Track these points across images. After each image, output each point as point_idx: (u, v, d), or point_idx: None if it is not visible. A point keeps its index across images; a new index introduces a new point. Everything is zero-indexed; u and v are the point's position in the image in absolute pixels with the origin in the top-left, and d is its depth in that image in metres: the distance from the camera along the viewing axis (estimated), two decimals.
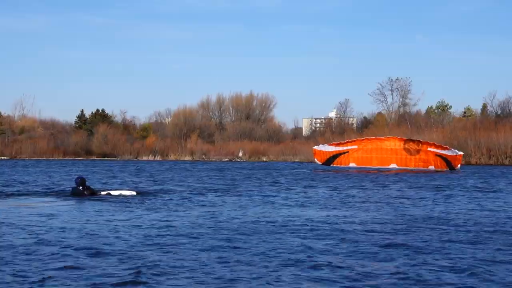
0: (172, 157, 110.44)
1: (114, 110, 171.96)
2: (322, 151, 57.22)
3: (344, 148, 56.81)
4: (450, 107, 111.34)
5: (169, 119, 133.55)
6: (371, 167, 55.76)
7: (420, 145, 56.02)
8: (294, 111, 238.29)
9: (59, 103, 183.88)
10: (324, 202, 22.36)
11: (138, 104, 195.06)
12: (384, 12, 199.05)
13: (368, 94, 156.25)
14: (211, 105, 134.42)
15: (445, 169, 54.58)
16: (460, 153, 56.42)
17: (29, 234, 13.85)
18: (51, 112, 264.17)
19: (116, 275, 9.64)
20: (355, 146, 56.78)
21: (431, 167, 55.23)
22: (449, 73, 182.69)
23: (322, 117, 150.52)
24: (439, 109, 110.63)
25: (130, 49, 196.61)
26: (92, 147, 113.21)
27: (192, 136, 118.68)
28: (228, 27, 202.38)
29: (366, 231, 14.61)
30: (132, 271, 9.85)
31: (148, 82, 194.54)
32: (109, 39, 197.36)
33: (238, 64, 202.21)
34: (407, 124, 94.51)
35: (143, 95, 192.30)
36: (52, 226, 15.53)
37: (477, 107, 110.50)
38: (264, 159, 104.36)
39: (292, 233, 14.22)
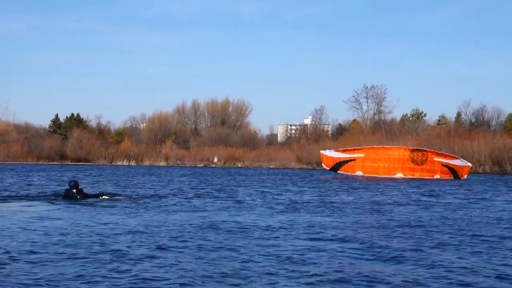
0: (147, 162, 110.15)
1: (89, 114, 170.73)
2: (330, 156, 57.12)
3: (351, 155, 56.78)
4: (425, 115, 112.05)
5: (144, 124, 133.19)
6: (378, 175, 55.78)
7: (427, 154, 56.02)
8: (270, 117, 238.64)
9: (34, 107, 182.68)
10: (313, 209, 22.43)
11: (113, 109, 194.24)
12: (360, 20, 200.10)
13: (344, 101, 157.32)
14: (186, 110, 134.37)
15: (452, 178, 54.69)
16: (469, 164, 56.38)
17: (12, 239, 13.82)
18: (25, 116, 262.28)
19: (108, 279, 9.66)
20: (362, 155, 56.65)
21: (437, 176, 55.37)
22: (424, 81, 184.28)
23: (298, 124, 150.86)
24: (413, 117, 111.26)
25: (106, 53, 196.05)
26: (66, 151, 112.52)
27: (167, 141, 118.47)
28: (205, 33, 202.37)
29: (339, 237, 14.70)
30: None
31: (124, 87, 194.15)
32: (84, 44, 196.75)
33: (214, 70, 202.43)
34: (382, 131, 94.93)
35: (118, 100, 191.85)
36: (39, 229, 15.50)
37: (451, 115, 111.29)
38: (239, 165, 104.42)
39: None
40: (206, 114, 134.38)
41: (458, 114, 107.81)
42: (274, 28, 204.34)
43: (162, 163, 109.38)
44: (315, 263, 11.33)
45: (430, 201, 27.38)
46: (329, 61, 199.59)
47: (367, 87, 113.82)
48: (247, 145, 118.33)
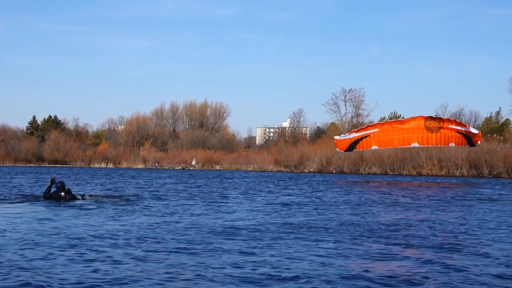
0: (124, 165, 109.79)
1: (67, 116, 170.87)
2: (343, 139, 56.89)
3: (365, 132, 56.37)
4: (403, 118, 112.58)
5: (122, 126, 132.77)
6: (393, 147, 55.36)
7: (442, 122, 55.12)
8: (248, 120, 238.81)
9: (11, 109, 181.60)
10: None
11: (91, 111, 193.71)
12: (339, 23, 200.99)
13: (322, 104, 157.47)
14: (165, 113, 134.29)
15: (466, 145, 54.71)
16: (478, 131, 55.85)
17: None
18: (2, 118, 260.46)
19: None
20: (376, 130, 56.22)
21: (452, 144, 55.02)
22: (402, 84, 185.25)
23: (276, 127, 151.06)
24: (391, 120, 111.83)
25: (84, 56, 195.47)
26: (43, 153, 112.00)
27: (145, 144, 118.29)
28: (183, 35, 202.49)
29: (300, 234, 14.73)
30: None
31: (102, 90, 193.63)
32: (63, 45, 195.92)
33: (193, 73, 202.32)
34: None
35: (96, 102, 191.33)
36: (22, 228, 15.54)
37: None
38: (217, 168, 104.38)
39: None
40: (185, 116, 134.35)
41: None
42: (253, 31, 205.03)
43: (140, 166, 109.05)
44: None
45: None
46: (308, 64, 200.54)
47: (345, 90, 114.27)
48: (225, 148, 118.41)
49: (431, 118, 56.19)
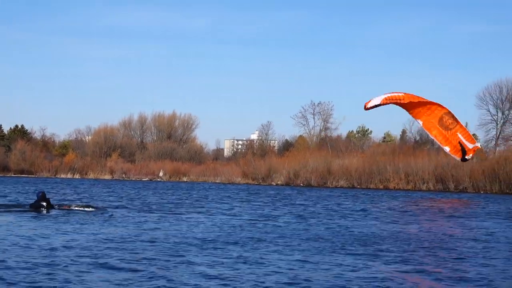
0: (91, 175, 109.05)
1: (33, 126, 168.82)
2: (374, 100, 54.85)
3: (397, 94, 53.31)
4: (370, 132, 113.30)
5: (90, 137, 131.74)
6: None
7: (455, 125, 53.09)
8: (217, 132, 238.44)
9: None
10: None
11: (59, 121, 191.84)
12: (308, 36, 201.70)
13: (291, 117, 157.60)
14: (133, 123, 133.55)
15: (459, 157, 53.92)
16: (478, 145, 55.14)
17: None
18: None
19: None
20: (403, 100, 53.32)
21: (447, 148, 53.64)
22: (369, 98, 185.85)
23: (244, 139, 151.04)
24: (359, 134, 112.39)
25: (52, 65, 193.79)
26: (9, 163, 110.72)
27: (113, 154, 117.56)
28: (153, 47, 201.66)
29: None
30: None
31: (69, 99, 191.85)
32: (31, 54, 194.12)
33: (161, 84, 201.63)
34: (328, 147, 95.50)
35: (63, 112, 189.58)
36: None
37: (396, 133, 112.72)
38: (185, 180, 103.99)
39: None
40: (153, 128, 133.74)
41: (403, 132, 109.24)
42: (222, 43, 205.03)
43: (107, 177, 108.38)
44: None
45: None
46: (277, 77, 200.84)
47: (314, 103, 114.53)
48: (193, 160, 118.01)
49: (449, 113, 53.84)
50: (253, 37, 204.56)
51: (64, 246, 14.90)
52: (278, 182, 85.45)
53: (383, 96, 53.43)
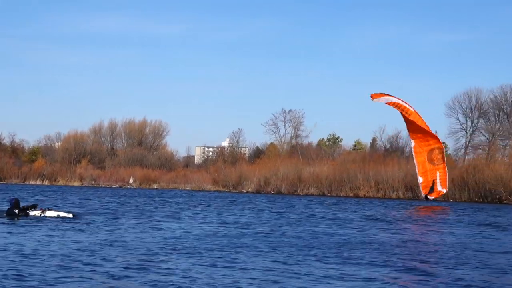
0: (60, 182, 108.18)
1: (2, 132, 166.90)
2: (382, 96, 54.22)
3: (408, 106, 53.49)
4: (341, 140, 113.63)
5: (59, 143, 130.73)
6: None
7: (440, 163, 54.00)
8: (187, 139, 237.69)
9: None
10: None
11: (28, 127, 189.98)
12: (279, 44, 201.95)
13: (261, 124, 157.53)
14: (103, 130, 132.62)
15: (424, 193, 54.44)
16: (444, 191, 55.34)
17: None
18: None
19: None
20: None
21: (420, 179, 54.44)
22: (340, 107, 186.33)
23: (215, 146, 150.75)
24: (330, 142, 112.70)
25: (21, 71, 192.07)
26: None
27: (83, 161, 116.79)
28: (124, 53, 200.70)
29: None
30: None
31: (39, 105, 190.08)
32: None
33: (132, 90, 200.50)
34: (299, 155, 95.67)
35: (33, 118, 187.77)
36: None
37: (367, 141, 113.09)
38: (155, 187, 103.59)
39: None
40: (123, 134, 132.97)
41: (374, 140, 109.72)
42: (193, 50, 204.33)
43: (77, 183, 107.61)
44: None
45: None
46: (248, 84, 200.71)
47: (285, 110, 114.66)
48: (163, 167, 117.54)
49: (441, 150, 54.99)
50: (224, 44, 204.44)
51: (34, 254, 14.77)
52: (249, 190, 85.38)
53: (394, 99, 53.63)
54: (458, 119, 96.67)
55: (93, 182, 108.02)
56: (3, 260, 13.74)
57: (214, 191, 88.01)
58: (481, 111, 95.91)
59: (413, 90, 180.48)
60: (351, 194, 75.70)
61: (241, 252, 16.41)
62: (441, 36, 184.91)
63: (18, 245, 16.32)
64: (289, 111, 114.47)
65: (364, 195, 74.46)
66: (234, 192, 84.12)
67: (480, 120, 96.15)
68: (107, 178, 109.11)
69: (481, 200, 66.17)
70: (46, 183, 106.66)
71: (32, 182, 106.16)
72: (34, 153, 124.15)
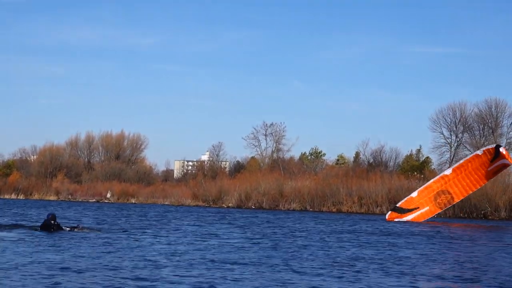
0: (36, 196, 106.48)
1: None
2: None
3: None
4: (324, 154, 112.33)
5: (35, 156, 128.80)
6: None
7: (437, 208, 51.96)
8: (166, 152, 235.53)
9: None
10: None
11: (3, 140, 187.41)
12: (261, 57, 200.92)
13: (242, 138, 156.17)
14: (79, 143, 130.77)
15: (399, 206, 52.39)
16: (407, 219, 51.65)
17: None
18: None
19: None
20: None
21: (415, 193, 52.66)
22: (323, 120, 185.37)
23: (195, 160, 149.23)
24: (312, 156, 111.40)
25: None
26: None
27: (59, 175, 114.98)
28: (101, 64, 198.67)
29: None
30: None
31: (14, 117, 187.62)
32: None
33: (109, 103, 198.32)
34: (280, 169, 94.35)
35: (8, 130, 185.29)
36: None
37: (350, 155, 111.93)
38: (133, 201, 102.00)
39: None
40: (100, 147, 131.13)
41: (357, 154, 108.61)
42: (172, 63, 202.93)
43: (53, 198, 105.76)
44: None
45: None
46: (228, 97, 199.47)
47: (266, 124, 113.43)
48: (142, 181, 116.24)
49: (447, 193, 51.94)
50: (204, 56, 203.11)
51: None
52: (229, 205, 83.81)
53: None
54: (442, 133, 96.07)
55: (69, 197, 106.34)
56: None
57: (194, 206, 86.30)
58: (466, 125, 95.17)
59: (397, 104, 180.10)
60: (334, 210, 74.36)
61: (224, 265, 14.79)
62: (425, 49, 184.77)
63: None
64: (270, 124, 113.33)
65: (347, 210, 73.20)
66: (214, 207, 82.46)
67: (464, 135, 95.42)
68: (84, 192, 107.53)
69: (466, 216, 65.22)
70: (21, 197, 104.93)
71: (6, 196, 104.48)
72: (9, 166, 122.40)
